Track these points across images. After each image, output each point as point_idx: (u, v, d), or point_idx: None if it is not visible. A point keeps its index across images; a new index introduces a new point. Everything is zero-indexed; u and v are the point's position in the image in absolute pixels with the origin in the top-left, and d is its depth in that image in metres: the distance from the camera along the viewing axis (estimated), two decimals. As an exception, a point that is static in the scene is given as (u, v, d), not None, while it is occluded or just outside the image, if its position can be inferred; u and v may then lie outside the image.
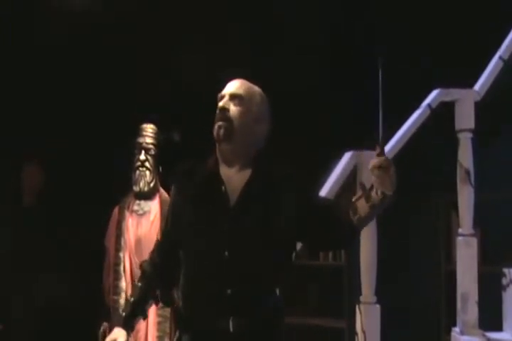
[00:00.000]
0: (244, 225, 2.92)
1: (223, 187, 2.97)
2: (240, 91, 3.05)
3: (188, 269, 2.97)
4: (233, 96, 3.03)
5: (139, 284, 3.19)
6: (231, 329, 2.84)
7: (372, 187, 2.86)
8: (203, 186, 3.00)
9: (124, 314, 3.19)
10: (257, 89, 3.12)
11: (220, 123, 2.99)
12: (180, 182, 3.09)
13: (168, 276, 3.10)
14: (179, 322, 3.10)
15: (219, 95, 3.08)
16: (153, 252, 3.20)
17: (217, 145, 3.04)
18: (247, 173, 3.01)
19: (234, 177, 3.00)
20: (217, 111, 3.01)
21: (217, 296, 2.87)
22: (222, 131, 2.97)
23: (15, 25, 6.43)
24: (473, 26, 5.91)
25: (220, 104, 3.02)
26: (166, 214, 3.21)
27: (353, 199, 2.93)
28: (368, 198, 2.86)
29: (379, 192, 2.84)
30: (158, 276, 3.14)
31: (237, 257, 2.88)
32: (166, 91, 6.41)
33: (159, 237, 3.22)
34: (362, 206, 2.90)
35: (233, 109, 3.01)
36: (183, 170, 3.12)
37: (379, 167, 2.81)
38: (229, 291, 2.86)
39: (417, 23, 6.32)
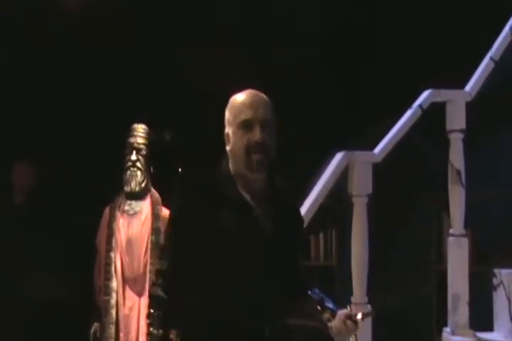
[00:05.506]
0: (278, 253, 2.88)
1: (254, 213, 2.90)
2: (268, 116, 2.91)
3: (214, 297, 2.85)
4: (264, 123, 2.89)
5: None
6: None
7: (324, 311, 2.91)
8: (228, 211, 2.87)
9: None
10: (267, 99, 2.98)
11: (261, 156, 2.86)
12: (194, 204, 2.89)
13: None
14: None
15: (243, 118, 2.88)
16: (174, 282, 2.91)
17: (241, 172, 2.91)
18: (266, 196, 2.94)
19: (254, 200, 2.92)
20: (255, 145, 2.85)
21: (252, 332, 2.84)
22: (264, 165, 2.88)
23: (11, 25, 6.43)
24: (465, 27, 5.94)
25: (258, 135, 2.85)
26: (175, 237, 2.93)
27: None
28: (320, 314, 2.92)
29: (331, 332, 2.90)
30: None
31: (272, 287, 2.86)
32: (158, 91, 6.41)
33: (175, 266, 2.90)
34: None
35: (267, 138, 2.88)
36: (194, 188, 2.93)
37: (348, 331, 2.85)
38: (267, 330, 2.84)
39: (408, 23, 6.34)
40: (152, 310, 2.90)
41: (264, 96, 2.97)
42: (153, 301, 2.91)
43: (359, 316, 2.86)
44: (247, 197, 2.91)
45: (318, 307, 2.93)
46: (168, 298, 2.89)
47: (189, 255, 2.88)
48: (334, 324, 2.87)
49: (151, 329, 2.86)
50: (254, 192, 2.92)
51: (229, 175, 2.93)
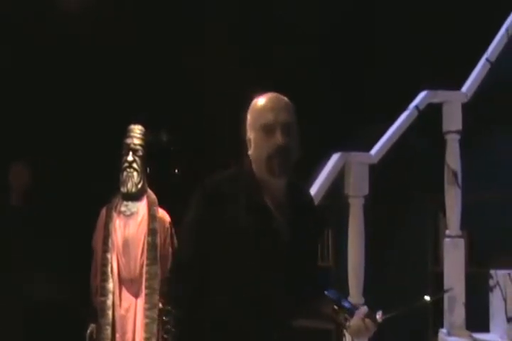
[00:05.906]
0: (293, 256, 2.88)
1: (272, 216, 2.89)
2: (289, 119, 2.87)
3: (224, 299, 2.85)
4: (285, 127, 2.86)
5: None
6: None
7: (341, 310, 2.91)
8: (247, 213, 2.86)
9: None
10: (289, 102, 2.92)
11: (282, 161, 2.84)
12: (216, 208, 2.88)
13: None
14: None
15: (264, 122, 2.85)
16: (186, 275, 2.91)
17: (263, 176, 2.89)
18: (286, 200, 2.94)
19: (274, 203, 2.91)
20: (277, 149, 2.83)
21: (260, 333, 2.85)
22: (285, 169, 2.85)
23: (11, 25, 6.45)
24: (461, 29, 5.93)
25: (280, 139, 2.82)
26: (189, 237, 2.91)
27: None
28: (337, 314, 2.93)
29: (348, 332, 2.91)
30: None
31: (283, 289, 2.87)
32: (156, 91, 6.42)
33: (186, 266, 2.90)
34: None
35: (289, 142, 2.85)
36: (218, 193, 2.90)
37: (367, 329, 2.85)
38: (275, 333, 2.85)
39: (407, 24, 6.34)
40: (169, 308, 2.92)
41: (285, 99, 2.92)
42: (169, 299, 2.97)
43: (378, 315, 2.85)
44: (267, 200, 2.89)
45: (335, 307, 2.93)
46: (179, 298, 2.89)
47: (201, 255, 2.87)
48: (352, 323, 2.87)
49: (169, 326, 2.87)
50: (275, 195, 2.91)
51: (252, 178, 2.91)
